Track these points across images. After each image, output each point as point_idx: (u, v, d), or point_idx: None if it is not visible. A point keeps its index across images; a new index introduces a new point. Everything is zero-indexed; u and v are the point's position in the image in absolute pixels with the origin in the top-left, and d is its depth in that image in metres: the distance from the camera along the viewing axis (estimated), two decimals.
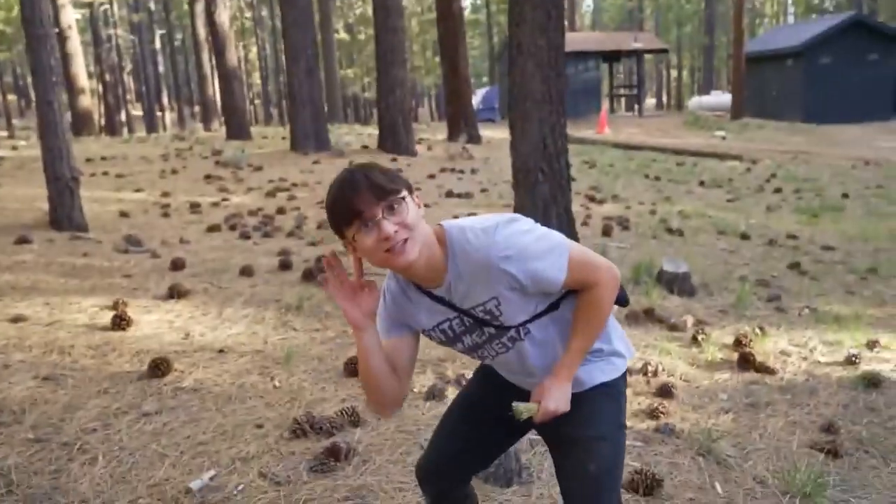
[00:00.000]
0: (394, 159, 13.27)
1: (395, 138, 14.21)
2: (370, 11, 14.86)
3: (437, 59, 23.08)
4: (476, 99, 27.04)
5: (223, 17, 18.11)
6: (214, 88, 24.85)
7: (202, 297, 4.85)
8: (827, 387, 3.68)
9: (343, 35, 41.90)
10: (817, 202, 10.09)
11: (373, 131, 17.80)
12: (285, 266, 5.59)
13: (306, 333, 4.26)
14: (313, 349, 4.01)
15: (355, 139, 17.19)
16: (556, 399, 1.64)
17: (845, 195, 10.73)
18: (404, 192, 1.49)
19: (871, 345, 4.23)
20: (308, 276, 5.28)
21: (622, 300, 1.80)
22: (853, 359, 3.97)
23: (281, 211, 8.21)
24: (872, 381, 3.68)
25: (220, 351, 3.90)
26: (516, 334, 1.67)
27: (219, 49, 18.15)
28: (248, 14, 50.17)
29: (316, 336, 4.23)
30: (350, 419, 3.08)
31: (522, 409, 1.65)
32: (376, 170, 1.49)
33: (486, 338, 1.67)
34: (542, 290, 1.61)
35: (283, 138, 16.58)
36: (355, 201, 1.45)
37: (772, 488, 2.71)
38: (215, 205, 8.74)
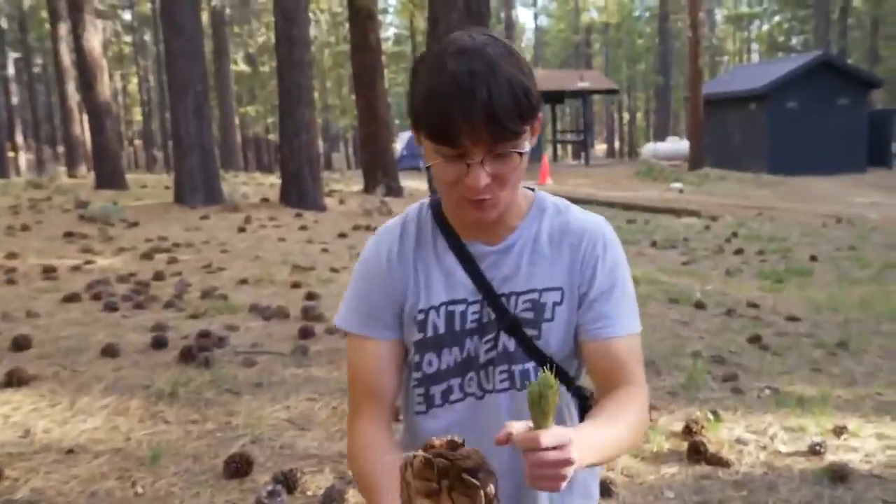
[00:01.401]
0: (298, 215, 13.28)
1: (300, 189, 14.27)
2: (274, 40, 15.04)
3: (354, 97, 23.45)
4: (399, 144, 27.45)
5: (93, 41, 17.91)
6: (82, 126, 24.49)
7: (50, 383, 4.71)
8: (788, 481, 3.81)
9: (243, 66, 42.15)
10: (783, 265, 10.55)
11: (276, 181, 17.83)
12: (159, 344, 5.49)
13: (180, 426, 4.17)
14: (188, 445, 3.93)
15: (254, 189, 17.17)
16: (568, 450, 1.12)
17: (814, 258, 11.27)
18: (527, 137, 1.32)
19: (839, 431, 4.40)
20: (186, 356, 5.19)
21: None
22: (817, 448, 4.12)
23: (158, 277, 8.08)
24: (839, 475, 3.81)
25: (69, 451, 3.78)
26: (531, 373, 1.44)
27: (88, 79, 17.85)
28: (126, 38, 49.96)
29: (192, 429, 4.14)
30: None
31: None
32: (514, 77, 1.26)
33: (494, 354, 1.44)
34: (583, 327, 1.44)
35: (167, 188, 16.42)
36: (460, 126, 1.24)
37: None
38: (76, 269, 8.53)
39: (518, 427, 1.12)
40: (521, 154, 1.31)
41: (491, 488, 1.05)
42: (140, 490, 3.43)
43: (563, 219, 1.48)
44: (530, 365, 1.44)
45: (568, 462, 1.11)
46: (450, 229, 1.46)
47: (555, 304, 1.44)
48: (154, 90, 51.05)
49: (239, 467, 3.61)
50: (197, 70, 14.01)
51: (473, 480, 1.04)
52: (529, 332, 1.43)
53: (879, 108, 33.11)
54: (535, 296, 1.43)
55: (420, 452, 1.06)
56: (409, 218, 1.51)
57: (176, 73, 13.86)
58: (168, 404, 4.43)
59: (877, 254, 11.93)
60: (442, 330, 1.44)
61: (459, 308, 1.43)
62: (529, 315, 1.43)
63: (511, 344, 1.43)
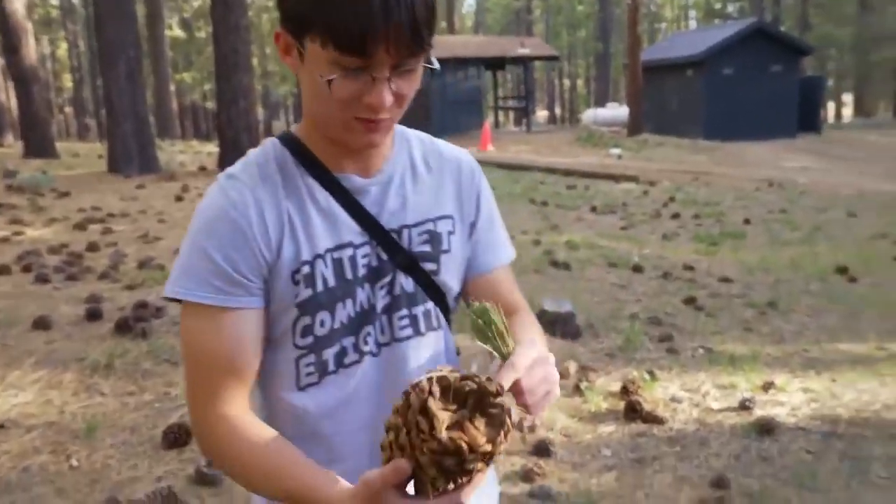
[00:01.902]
0: None
1: (239, 158, 13.98)
2: (210, 3, 14.67)
3: None
4: None
5: (16, 2, 17.23)
6: (7, 93, 23.63)
7: None
8: (719, 436, 3.93)
9: (178, 32, 41.10)
10: (717, 229, 10.78)
11: (214, 149, 17.51)
12: (94, 316, 5.37)
13: (117, 398, 4.11)
14: (125, 417, 3.88)
15: (191, 158, 16.85)
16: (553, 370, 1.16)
17: (747, 221, 11.53)
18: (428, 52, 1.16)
19: (767, 387, 4.56)
20: (123, 327, 5.10)
21: None
22: (747, 404, 4.26)
23: (93, 247, 7.89)
24: (766, 428, 3.96)
25: (0, 426, 3.69)
26: (427, 314, 1.33)
27: (12, 44, 17.21)
28: (53, 1, 48.29)
29: (129, 401, 4.09)
30: (165, 501, 3.00)
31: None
32: None
33: (390, 300, 1.29)
34: (474, 260, 1.39)
35: (100, 157, 16.01)
36: (380, 32, 1.06)
37: None
38: (4, 240, 8.29)
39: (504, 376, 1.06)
40: (424, 70, 1.18)
41: (514, 414, 0.98)
42: (75, 463, 3.38)
43: (433, 147, 1.38)
44: (430, 305, 1.32)
45: (554, 377, 1.14)
46: (318, 163, 1.25)
47: (449, 233, 1.33)
48: (84, 56, 49.42)
49: (178, 437, 3.58)
50: (129, 34, 13.64)
51: (501, 403, 0.95)
52: (428, 266, 1.30)
53: (809, 75, 33.78)
54: (430, 226, 1.31)
55: (434, 376, 0.95)
56: (262, 160, 1.26)
57: (107, 38, 13.46)
58: (104, 376, 4.36)
59: (806, 216, 12.27)
60: (333, 282, 1.23)
61: (347, 253, 1.24)
62: (427, 248, 1.30)
63: (409, 284, 1.29)
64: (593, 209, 12.42)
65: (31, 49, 17.59)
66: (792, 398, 4.44)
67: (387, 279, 1.27)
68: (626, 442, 3.83)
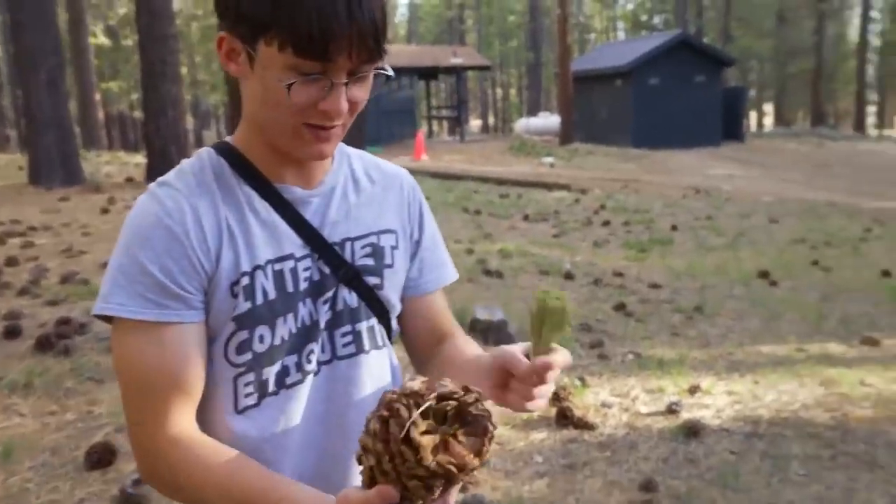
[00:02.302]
0: None
1: (166, 168, 13.50)
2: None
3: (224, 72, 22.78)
4: None
5: None
6: None
7: None
8: (647, 440, 4.00)
9: (103, 39, 40.11)
10: (646, 236, 10.99)
11: (141, 160, 17.13)
12: (12, 333, 5.19)
13: (36, 419, 3.98)
14: (45, 438, 3.76)
15: (118, 169, 16.46)
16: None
17: (674, 227, 11.79)
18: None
19: (693, 390, 4.66)
20: (44, 344, 4.94)
21: None
22: (674, 407, 4.34)
23: (12, 262, 7.62)
24: (692, 431, 4.04)
25: None
26: (372, 330, 1.28)
27: None
28: None
29: (50, 421, 3.96)
30: None
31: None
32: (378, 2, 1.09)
33: (331, 315, 1.23)
34: (419, 279, 1.36)
35: (21, 168, 15.48)
36: (341, 37, 1.04)
37: None
38: None
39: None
40: (377, 76, 1.14)
41: (494, 420, 0.95)
42: None
43: (372, 161, 1.35)
44: (374, 321, 1.27)
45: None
46: (257, 173, 1.19)
47: (392, 248, 1.29)
48: (2, 61, 47.86)
49: (101, 457, 3.48)
50: (49, 41, 13.25)
51: (481, 411, 0.93)
52: (372, 280, 1.25)
53: (732, 86, 34.83)
54: (373, 239, 1.27)
55: (409, 399, 0.91)
56: (198, 168, 1.19)
57: (25, 45, 13.07)
58: (22, 396, 4.21)
59: (730, 223, 12.61)
60: (273, 295, 1.16)
61: (288, 265, 1.18)
62: (370, 262, 1.25)
63: (353, 299, 1.24)
64: (526, 217, 12.53)
65: None
66: (717, 400, 4.55)
67: (329, 293, 1.22)
68: (557, 448, 3.86)
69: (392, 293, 1.29)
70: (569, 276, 7.68)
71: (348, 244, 1.24)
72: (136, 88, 37.20)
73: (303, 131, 1.12)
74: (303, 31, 1.02)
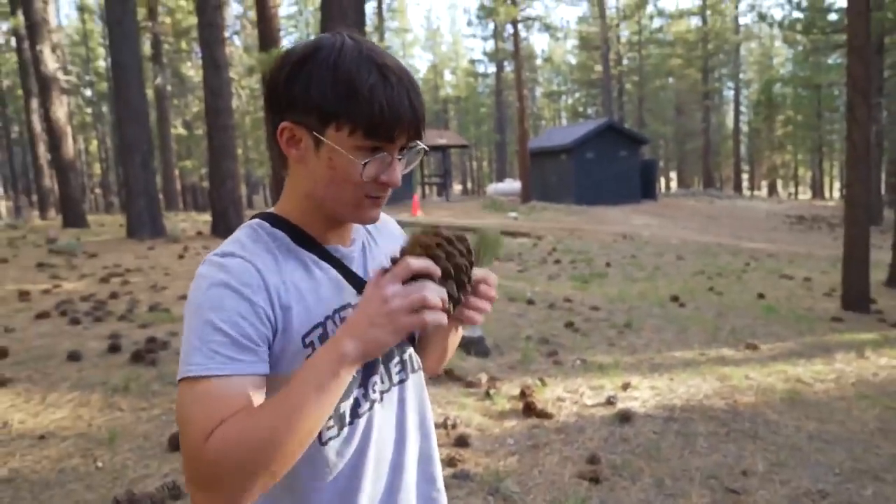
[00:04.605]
0: None
1: (226, 224, 13.77)
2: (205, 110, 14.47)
3: (269, 152, 22.77)
4: None
5: (59, 112, 16.78)
6: (52, 179, 22.70)
7: (24, 384, 4.35)
8: (592, 425, 3.99)
9: (181, 130, 40.23)
10: (588, 271, 11.01)
11: (208, 218, 17.09)
12: (114, 349, 5.16)
13: (133, 413, 3.94)
14: (139, 428, 3.72)
15: (191, 225, 16.40)
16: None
17: (608, 264, 11.82)
18: None
19: (625, 386, 4.66)
20: (137, 357, 4.91)
21: None
22: (611, 399, 4.34)
23: (113, 296, 7.58)
24: (625, 417, 4.04)
25: (41, 437, 3.50)
26: (410, 358, 1.18)
27: (55, 142, 16.76)
28: (87, 110, 47.10)
29: (142, 415, 3.92)
30: (171, 492, 2.88)
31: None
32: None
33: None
34: None
35: (121, 226, 15.44)
36: (406, 120, 0.98)
37: None
38: (46, 292, 7.90)
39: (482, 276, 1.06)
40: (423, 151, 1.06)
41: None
42: (100, 465, 3.22)
43: None
44: (410, 350, 1.18)
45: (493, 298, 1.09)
46: (310, 237, 1.08)
47: None
48: (110, 150, 48.04)
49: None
50: (143, 133, 13.32)
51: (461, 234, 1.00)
52: None
53: (647, 158, 35.02)
54: None
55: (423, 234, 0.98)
56: (254, 236, 1.04)
57: (126, 136, 13.12)
58: (122, 396, 4.18)
59: (649, 260, 12.67)
60: None
61: (350, 312, 1.05)
62: None
63: None
64: (497, 258, 12.53)
65: (70, 146, 17.05)
66: (642, 394, 4.55)
67: None
68: (524, 433, 3.85)
69: None
70: (530, 301, 7.68)
71: None
72: (204, 165, 37.27)
73: (363, 201, 1.03)
74: (376, 119, 0.96)
